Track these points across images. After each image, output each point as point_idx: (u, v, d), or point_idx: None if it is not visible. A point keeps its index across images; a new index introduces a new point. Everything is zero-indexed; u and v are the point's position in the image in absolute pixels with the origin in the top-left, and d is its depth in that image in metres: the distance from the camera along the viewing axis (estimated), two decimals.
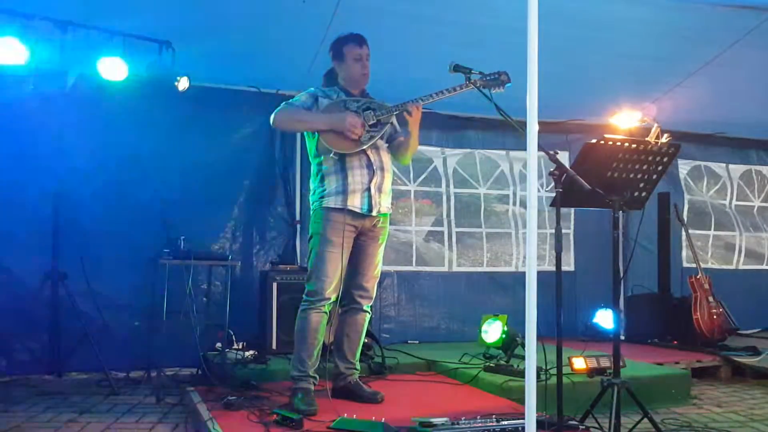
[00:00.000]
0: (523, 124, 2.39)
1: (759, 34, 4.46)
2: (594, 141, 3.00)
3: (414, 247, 5.94)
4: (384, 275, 5.62)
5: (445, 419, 2.95)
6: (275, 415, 3.13)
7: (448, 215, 6.09)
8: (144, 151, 4.85)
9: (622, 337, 5.86)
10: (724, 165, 7.12)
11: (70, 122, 4.67)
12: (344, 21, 3.92)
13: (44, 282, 4.50)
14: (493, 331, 4.63)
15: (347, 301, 3.60)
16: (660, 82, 5.44)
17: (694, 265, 5.98)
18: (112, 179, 4.78)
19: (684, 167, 6.87)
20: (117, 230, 4.74)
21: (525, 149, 2.38)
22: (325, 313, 3.45)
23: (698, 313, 5.64)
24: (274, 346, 4.72)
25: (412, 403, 3.56)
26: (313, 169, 3.56)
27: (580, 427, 3.08)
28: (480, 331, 4.71)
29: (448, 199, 6.10)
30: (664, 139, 3.32)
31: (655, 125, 3.77)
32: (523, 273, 2.33)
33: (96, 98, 4.69)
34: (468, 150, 6.18)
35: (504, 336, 4.50)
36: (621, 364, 3.12)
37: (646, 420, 3.04)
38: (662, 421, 3.51)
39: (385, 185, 3.52)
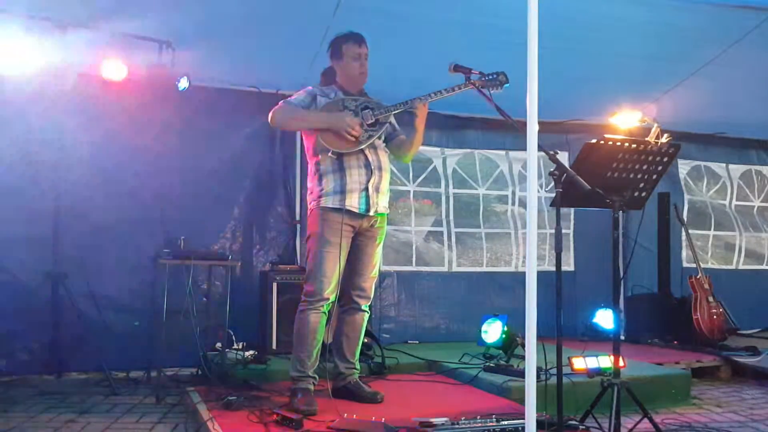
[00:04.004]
0: (523, 124, 2.39)
1: (759, 34, 4.46)
2: (594, 141, 3.00)
3: (414, 247, 5.94)
4: (384, 275, 5.64)
5: (445, 419, 2.95)
6: (275, 415, 3.13)
7: (448, 215, 6.09)
8: (144, 151, 4.84)
9: (622, 337, 5.86)
10: (724, 165, 7.12)
11: (70, 122, 4.67)
12: (344, 21, 3.91)
13: (44, 282, 4.50)
14: (493, 331, 4.63)
15: (345, 301, 3.60)
16: (660, 82, 5.44)
17: (694, 265, 5.98)
18: (112, 179, 4.77)
19: (684, 167, 6.87)
20: (117, 230, 4.74)
21: (525, 149, 2.39)
22: (324, 313, 3.45)
23: (698, 313, 5.64)
24: (274, 346, 4.72)
25: (412, 403, 3.56)
26: (311, 168, 3.56)
27: (580, 427, 3.08)
28: (480, 332, 4.71)
29: (448, 200, 6.10)
30: (664, 139, 3.32)
31: (655, 125, 3.77)
32: (523, 273, 2.33)
33: (96, 98, 4.68)
34: (468, 150, 6.18)
35: (504, 336, 4.51)
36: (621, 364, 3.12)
37: (646, 420, 3.04)
38: (662, 421, 3.51)
39: (382, 185, 3.52)
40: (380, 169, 3.50)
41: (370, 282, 3.63)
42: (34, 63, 4.07)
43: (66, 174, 4.68)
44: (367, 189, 3.44)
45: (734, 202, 7.15)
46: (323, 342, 3.50)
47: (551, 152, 2.79)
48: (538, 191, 5.80)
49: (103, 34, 4.15)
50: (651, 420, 3.03)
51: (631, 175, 3.09)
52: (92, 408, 3.86)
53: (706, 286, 5.78)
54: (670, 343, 5.77)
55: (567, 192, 2.81)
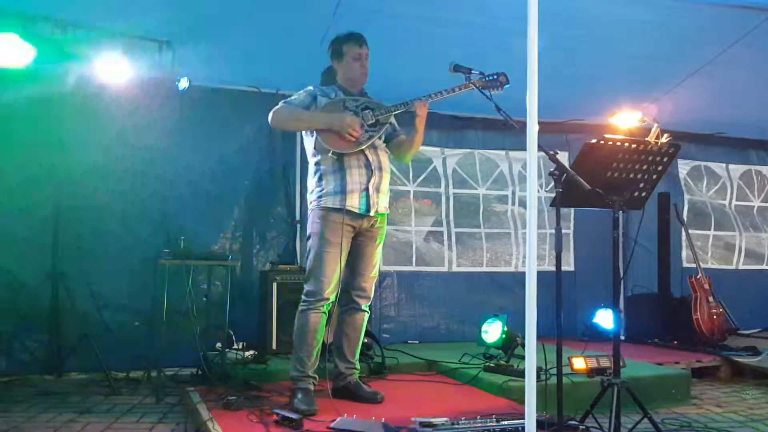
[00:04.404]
0: (523, 124, 2.39)
1: (759, 34, 4.46)
2: (594, 141, 3.00)
3: (414, 247, 5.94)
4: (384, 275, 5.64)
5: (445, 419, 2.94)
6: (275, 415, 3.13)
7: (448, 215, 6.09)
8: (144, 151, 4.84)
9: (622, 337, 5.86)
10: (724, 165, 7.12)
11: (70, 122, 4.67)
12: (344, 21, 3.92)
13: (44, 282, 4.50)
14: (493, 331, 4.63)
15: (346, 301, 3.60)
16: (660, 82, 5.44)
17: (694, 265, 5.98)
18: (112, 179, 4.77)
19: (684, 167, 6.87)
20: (117, 230, 4.74)
21: (525, 149, 2.39)
22: (324, 313, 3.45)
23: (698, 313, 5.64)
24: (274, 346, 4.72)
25: (412, 403, 3.56)
26: (311, 168, 3.56)
27: (580, 427, 3.08)
28: (480, 332, 4.71)
29: (448, 200, 6.10)
30: (664, 139, 3.32)
31: (655, 125, 3.78)
32: (523, 273, 2.33)
33: (96, 98, 4.68)
34: (468, 150, 6.18)
35: (504, 336, 4.51)
36: (621, 364, 3.12)
37: (646, 420, 3.04)
38: (662, 421, 3.51)
39: (383, 185, 3.52)
40: (380, 169, 3.50)
41: (370, 282, 3.63)
42: (34, 63, 4.07)
43: (66, 174, 4.67)
44: (367, 189, 3.44)
45: (734, 202, 7.15)
46: (323, 342, 3.50)
47: (551, 152, 2.78)
48: (538, 191, 5.81)
49: (103, 34, 4.15)
50: (651, 420, 3.03)
51: (631, 175, 3.09)
52: (92, 408, 3.86)
53: (706, 286, 5.78)
54: (670, 343, 5.77)
55: (567, 192, 2.81)
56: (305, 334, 3.41)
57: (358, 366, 3.70)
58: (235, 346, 4.66)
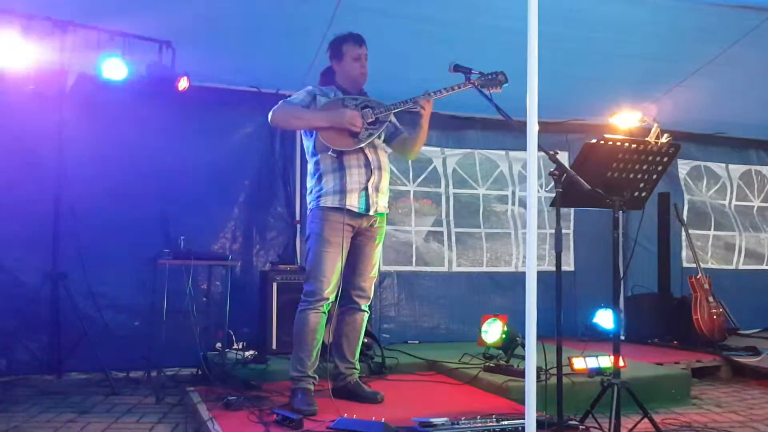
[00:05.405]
0: (523, 124, 2.39)
1: (759, 34, 4.46)
2: (594, 141, 3.00)
3: (414, 247, 5.94)
4: (384, 275, 5.64)
5: (445, 419, 2.95)
6: (275, 415, 3.13)
7: (448, 215, 6.09)
8: (144, 151, 4.84)
9: (622, 337, 5.86)
10: (723, 165, 7.12)
11: (70, 122, 4.67)
12: (344, 21, 3.92)
13: (44, 282, 4.50)
14: (493, 331, 4.63)
15: (345, 301, 3.59)
16: (660, 82, 5.44)
17: (694, 265, 5.98)
18: (111, 179, 4.77)
19: (684, 167, 6.87)
20: (117, 230, 4.74)
21: (525, 149, 2.39)
22: (324, 313, 3.45)
23: (698, 313, 5.64)
24: (274, 346, 4.72)
25: (412, 403, 3.55)
26: (311, 168, 3.56)
27: (580, 427, 3.08)
28: (480, 332, 4.71)
29: (448, 200, 6.10)
30: (664, 139, 3.32)
31: (655, 125, 3.77)
32: (523, 273, 2.33)
33: (96, 98, 4.69)
34: (468, 150, 6.19)
35: (504, 336, 4.50)
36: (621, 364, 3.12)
37: (646, 420, 3.04)
38: (662, 421, 3.51)
39: (382, 185, 3.52)
40: (380, 168, 3.50)
41: (369, 282, 3.63)
42: (34, 63, 4.07)
43: (66, 174, 4.68)
44: (366, 188, 3.44)
45: (734, 202, 7.15)
46: (323, 342, 3.50)
47: (551, 152, 2.79)
48: (538, 191, 5.80)
49: (103, 34, 4.15)
50: (651, 420, 3.03)
51: (631, 175, 3.09)
52: (92, 408, 3.86)
53: (706, 286, 5.78)
54: (670, 343, 5.77)
55: (567, 192, 2.81)
56: (305, 334, 3.41)
57: (358, 366, 3.70)
58: (235, 346, 4.66)
